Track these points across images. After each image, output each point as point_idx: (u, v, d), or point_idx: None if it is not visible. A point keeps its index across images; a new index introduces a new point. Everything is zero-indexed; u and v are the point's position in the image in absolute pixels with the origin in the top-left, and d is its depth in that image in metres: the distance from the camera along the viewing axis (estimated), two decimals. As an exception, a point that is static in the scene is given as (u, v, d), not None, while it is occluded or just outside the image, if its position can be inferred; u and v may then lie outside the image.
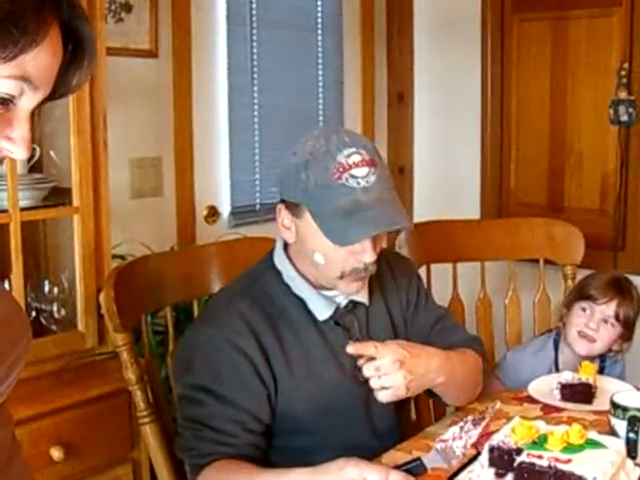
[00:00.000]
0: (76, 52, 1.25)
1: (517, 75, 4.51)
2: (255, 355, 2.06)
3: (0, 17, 1.08)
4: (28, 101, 1.18)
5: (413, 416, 2.86)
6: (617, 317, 2.82)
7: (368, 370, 1.99)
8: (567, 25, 4.26)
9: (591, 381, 2.45)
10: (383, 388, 2.00)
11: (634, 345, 2.92)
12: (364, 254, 2.05)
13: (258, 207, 4.26)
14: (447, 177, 4.71)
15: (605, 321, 2.82)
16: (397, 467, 1.88)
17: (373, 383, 2.00)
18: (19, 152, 1.19)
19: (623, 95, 4.02)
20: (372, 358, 1.99)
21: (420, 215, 4.36)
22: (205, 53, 3.93)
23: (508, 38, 4.52)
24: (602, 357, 2.91)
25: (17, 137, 1.18)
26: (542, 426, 1.98)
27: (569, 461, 1.79)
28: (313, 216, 2.04)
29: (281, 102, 4.35)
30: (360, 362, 2.01)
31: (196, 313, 2.57)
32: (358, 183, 1.99)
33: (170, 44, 3.74)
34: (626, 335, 2.86)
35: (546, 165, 4.44)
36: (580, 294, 2.88)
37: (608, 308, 2.82)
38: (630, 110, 4.00)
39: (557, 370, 2.87)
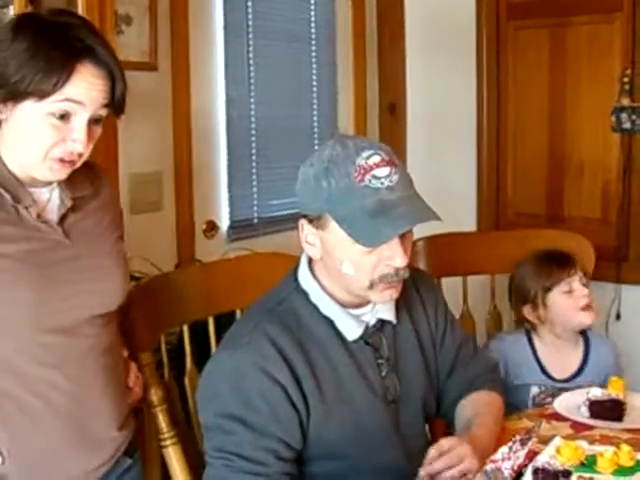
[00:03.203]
0: (112, 75, 1.87)
1: (514, 83, 4.48)
2: (286, 380, 1.99)
3: (38, 70, 1.77)
4: (80, 114, 1.83)
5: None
6: (585, 273, 2.94)
7: None
8: (566, 32, 4.24)
9: (621, 397, 2.39)
10: None
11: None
12: (395, 258, 1.97)
13: (256, 221, 4.21)
14: (442, 189, 4.60)
15: (584, 283, 2.91)
16: None
17: None
18: (78, 147, 1.86)
19: (626, 102, 3.99)
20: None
21: (416, 230, 4.29)
22: (203, 65, 3.89)
23: (503, 46, 4.49)
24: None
25: (75, 138, 1.85)
26: (585, 446, 1.93)
27: (623, 484, 1.74)
28: (339, 223, 1.96)
29: (277, 114, 4.32)
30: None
31: (210, 331, 2.52)
32: (382, 183, 1.93)
33: (169, 56, 3.69)
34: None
35: (545, 174, 4.41)
36: (545, 287, 2.90)
37: (577, 274, 2.90)
38: (633, 117, 3.97)
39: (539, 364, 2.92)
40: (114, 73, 1.87)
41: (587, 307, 2.87)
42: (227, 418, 1.98)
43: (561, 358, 2.93)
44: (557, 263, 2.91)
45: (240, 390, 1.98)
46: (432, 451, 1.96)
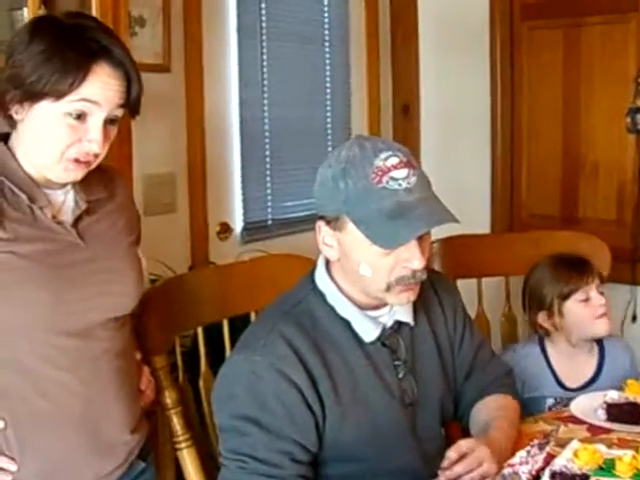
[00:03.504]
0: (128, 75, 1.89)
1: (528, 84, 4.46)
2: (302, 383, 1.98)
3: (54, 71, 1.78)
4: (96, 114, 1.84)
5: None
6: (602, 279, 2.87)
7: None
8: (580, 32, 4.22)
9: (638, 400, 2.37)
10: None
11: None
12: (412, 260, 1.96)
13: (270, 222, 4.21)
14: (455, 190, 4.53)
15: (601, 292, 2.83)
16: None
17: None
18: (94, 148, 1.86)
19: (641, 103, 3.97)
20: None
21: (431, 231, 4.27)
22: (217, 67, 3.89)
23: (517, 46, 4.48)
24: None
25: (91, 139, 1.85)
26: (603, 450, 1.91)
27: (642, 488, 1.73)
28: (357, 224, 1.94)
29: (290, 115, 4.32)
30: None
31: (225, 334, 2.51)
32: (399, 185, 1.91)
33: (182, 58, 3.69)
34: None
35: (559, 175, 4.39)
36: (562, 295, 2.83)
37: (594, 281, 2.83)
38: (648, 119, 3.95)
39: (554, 375, 2.86)
40: (130, 74, 1.89)
41: (603, 315, 2.81)
42: (242, 420, 1.97)
43: (575, 366, 2.88)
44: (575, 269, 2.85)
45: (256, 392, 1.97)
46: (451, 453, 1.94)
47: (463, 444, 1.97)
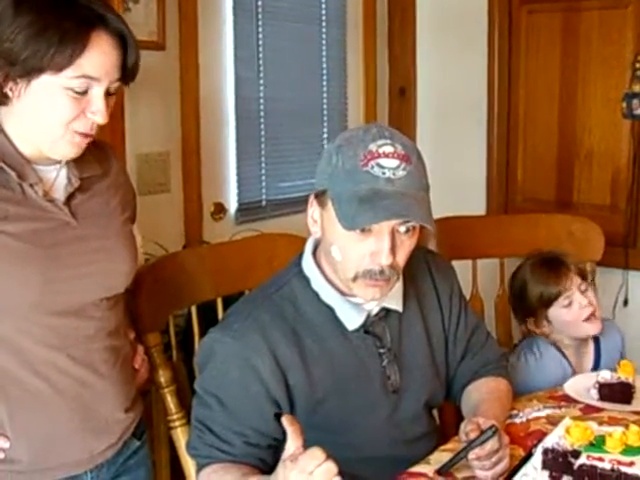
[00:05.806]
0: (125, 44, 1.84)
1: (525, 68, 4.45)
2: (269, 377, 1.98)
3: (52, 44, 1.72)
4: (97, 88, 1.80)
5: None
6: (583, 277, 2.83)
7: None
8: (578, 17, 4.21)
9: (630, 380, 2.39)
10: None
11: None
12: (379, 254, 1.92)
13: (264, 203, 4.19)
14: (451, 174, 4.58)
15: (583, 290, 2.79)
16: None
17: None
18: (98, 119, 1.83)
19: (637, 88, 3.98)
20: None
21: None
22: (212, 45, 3.86)
23: (516, 30, 4.47)
24: None
25: (96, 110, 1.82)
26: (595, 427, 1.92)
27: (632, 464, 1.74)
28: (332, 200, 1.94)
29: (286, 96, 4.30)
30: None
31: (219, 312, 2.50)
32: (383, 173, 1.88)
33: (177, 36, 3.66)
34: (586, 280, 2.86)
35: (554, 160, 4.39)
36: (544, 303, 2.80)
37: (574, 282, 2.79)
38: (644, 104, 3.96)
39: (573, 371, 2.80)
40: (127, 40, 1.84)
41: (591, 316, 2.77)
42: (207, 393, 2.02)
43: (579, 355, 2.85)
44: (553, 274, 2.80)
45: (222, 374, 2.01)
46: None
47: (482, 423, 1.95)
